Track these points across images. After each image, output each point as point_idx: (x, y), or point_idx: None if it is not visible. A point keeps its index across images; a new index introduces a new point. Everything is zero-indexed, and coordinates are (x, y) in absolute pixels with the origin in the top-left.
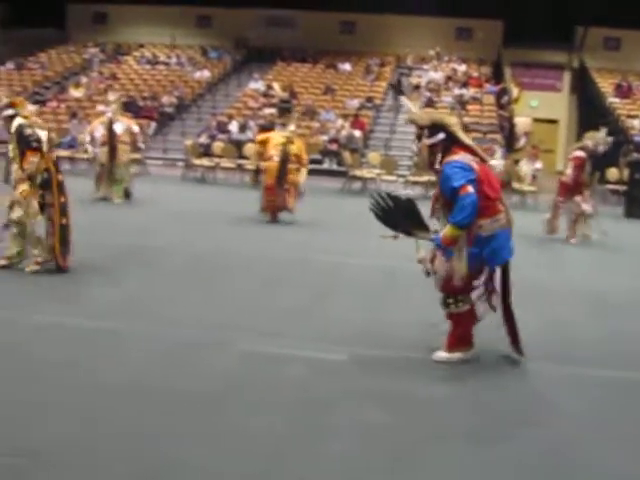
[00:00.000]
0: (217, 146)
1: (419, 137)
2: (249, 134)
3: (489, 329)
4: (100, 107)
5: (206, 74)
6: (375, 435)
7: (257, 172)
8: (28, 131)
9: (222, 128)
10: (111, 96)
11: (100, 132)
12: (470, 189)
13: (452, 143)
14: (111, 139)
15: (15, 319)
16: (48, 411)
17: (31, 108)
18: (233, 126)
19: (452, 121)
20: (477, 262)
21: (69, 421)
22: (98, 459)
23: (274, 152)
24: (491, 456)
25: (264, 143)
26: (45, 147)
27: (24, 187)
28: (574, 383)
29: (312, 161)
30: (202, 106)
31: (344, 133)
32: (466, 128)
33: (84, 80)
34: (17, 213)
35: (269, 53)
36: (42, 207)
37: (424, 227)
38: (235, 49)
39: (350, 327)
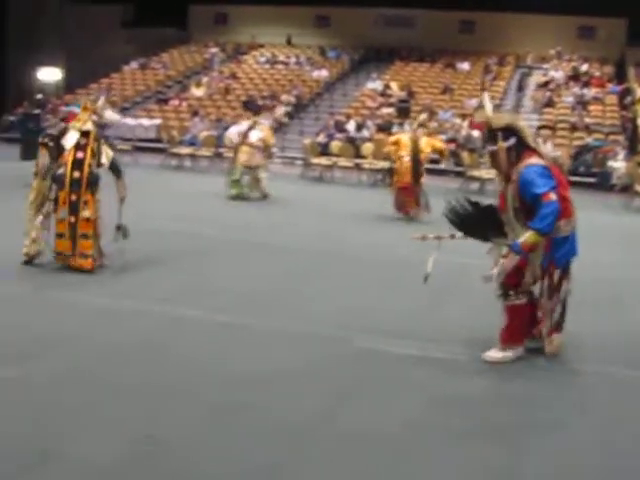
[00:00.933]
0: (335, 145)
1: (490, 140)
2: (366, 133)
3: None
4: (262, 119)
5: (324, 73)
6: (499, 437)
7: (390, 172)
8: (49, 129)
9: (340, 127)
10: (279, 110)
11: (241, 129)
12: (553, 196)
13: (522, 148)
14: (242, 140)
15: (147, 312)
16: (177, 400)
17: (109, 115)
18: (351, 125)
19: (523, 125)
20: (547, 262)
21: (198, 410)
22: (223, 448)
23: (404, 152)
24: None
25: (396, 144)
26: (67, 146)
27: (36, 181)
28: None
29: (430, 160)
30: (320, 105)
31: (463, 133)
32: (587, 129)
33: (205, 79)
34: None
35: (387, 52)
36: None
37: (502, 234)
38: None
39: (471, 328)
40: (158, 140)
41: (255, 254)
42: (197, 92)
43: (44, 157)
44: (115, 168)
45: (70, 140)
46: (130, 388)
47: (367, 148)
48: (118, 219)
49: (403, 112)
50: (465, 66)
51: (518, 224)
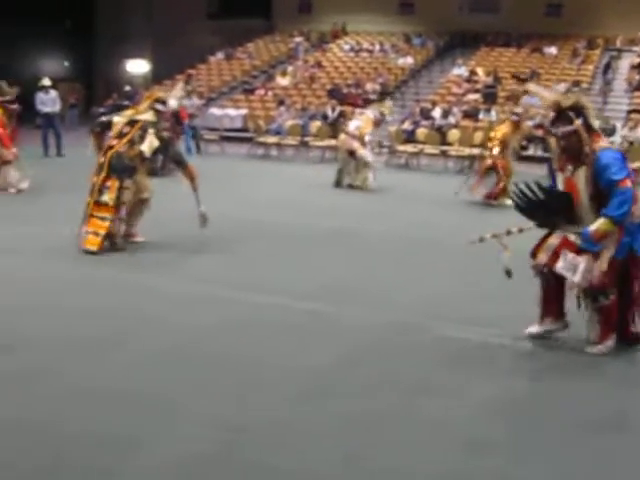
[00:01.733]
0: (421, 132)
1: (561, 121)
2: (452, 120)
3: None
4: (367, 110)
5: (409, 61)
6: (581, 432)
7: None
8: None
9: (425, 114)
10: (387, 102)
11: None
12: (629, 183)
13: (588, 128)
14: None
15: (230, 298)
16: (259, 389)
17: (172, 103)
18: (436, 112)
19: (589, 103)
20: (626, 252)
21: (279, 399)
22: (303, 438)
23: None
24: None
25: None
26: (112, 132)
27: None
28: None
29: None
30: (405, 92)
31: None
32: None
33: (290, 68)
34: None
35: (472, 38)
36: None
37: (574, 221)
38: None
39: None
40: (245, 130)
41: (338, 241)
42: (282, 81)
43: (92, 143)
44: (176, 160)
45: (113, 129)
46: (214, 376)
47: (453, 135)
48: (197, 207)
49: (490, 98)
50: (552, 50)
51: (591, 211)
